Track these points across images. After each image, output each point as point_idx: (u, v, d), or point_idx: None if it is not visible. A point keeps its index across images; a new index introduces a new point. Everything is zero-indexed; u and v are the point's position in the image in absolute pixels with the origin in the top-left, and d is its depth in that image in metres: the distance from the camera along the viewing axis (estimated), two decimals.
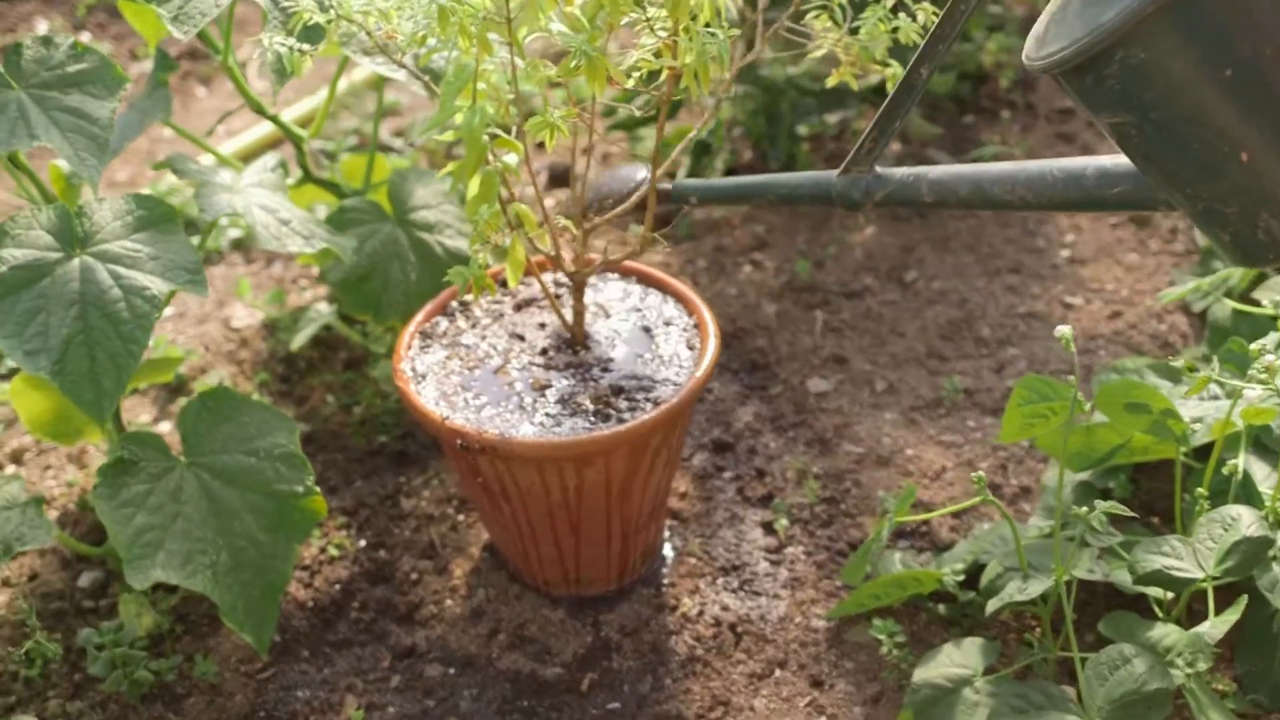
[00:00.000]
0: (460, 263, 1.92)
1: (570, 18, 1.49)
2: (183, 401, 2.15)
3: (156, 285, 1.59)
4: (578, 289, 1.71)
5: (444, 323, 1.79)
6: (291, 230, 1.75)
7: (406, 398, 1.67)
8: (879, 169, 1.56)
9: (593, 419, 1.62)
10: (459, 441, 1.61)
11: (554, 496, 1.66)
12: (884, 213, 2.42)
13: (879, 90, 2.50)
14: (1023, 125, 2.63)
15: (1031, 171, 1.42)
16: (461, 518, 1.92)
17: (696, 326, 1.76)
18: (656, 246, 1.76)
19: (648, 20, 1.49)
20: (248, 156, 2.76)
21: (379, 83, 2.08)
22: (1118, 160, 1.35)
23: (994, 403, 2.04)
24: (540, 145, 1.53)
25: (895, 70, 1.63)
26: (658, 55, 1.50)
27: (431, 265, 1.92)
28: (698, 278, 2.31)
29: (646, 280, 1.84)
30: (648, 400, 1.65)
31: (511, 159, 1.62)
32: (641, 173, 1.72)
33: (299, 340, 2.10)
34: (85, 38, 3.18)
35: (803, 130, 2.44)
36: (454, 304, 1.82)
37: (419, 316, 1.79)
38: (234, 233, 2.50)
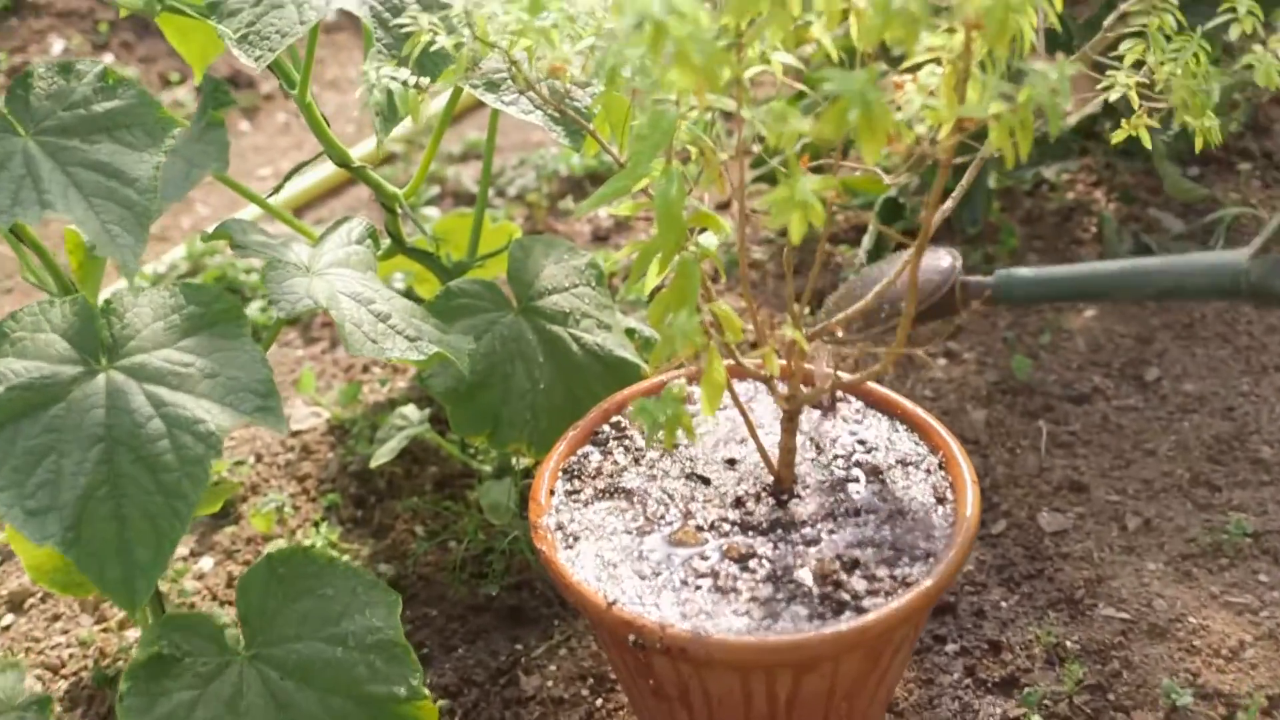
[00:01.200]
0: (606, 365, 1.49)
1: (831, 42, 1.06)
2: (229, 531, 1.71)
3: (215, 416, 1.17)
4: (790, 420, 1.27)
5: (595, 455, 1.35)
6: (392, 329, 1.32)
7: (556, 571, 1.24)
8: None
9: (820, 606, 1.19)
10: (632, 638, 1.17)
11: (756, 708, 1.22)
12: None
13: (1089, 134, 2.06)
14: (1264, 179, 2.19)
15: None
16: (600, 702, 1.48)
17: (944, 467, 1.31)
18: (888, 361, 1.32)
19: (935, 51, 1.06)
20: (296, 209, 2.34)
21: (494, 120, 1.65)
22: None
23: None
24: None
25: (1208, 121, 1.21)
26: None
27: (566, 369, 1.49)
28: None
29: (868, 399, 1.39)
30: (891, 578, 1.21)
31: (711, 241, 1.18)
32: (945, 260, 1.28)
33: (381, 456, 1.67)
34: (108, 59, 2.76)
35: (990, 183, 2.00)
36: (605, 427, 1.38)
37: (560, 447, 1.35)
38: None
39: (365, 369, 1.95)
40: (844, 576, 1.21)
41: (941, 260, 1.28)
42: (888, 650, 1.22)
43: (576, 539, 1.27)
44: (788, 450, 1.29)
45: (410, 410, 1.71)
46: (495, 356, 1.48)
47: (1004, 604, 1.58)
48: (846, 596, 1.20)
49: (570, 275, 1.56)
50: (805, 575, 1.22)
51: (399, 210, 1.56)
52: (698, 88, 1.04)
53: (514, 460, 1.66)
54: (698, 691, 1.21)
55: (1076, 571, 1.61)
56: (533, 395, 1.48)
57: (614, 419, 1.39)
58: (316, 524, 1.71)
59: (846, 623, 1.16)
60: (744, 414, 1.28)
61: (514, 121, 2.49)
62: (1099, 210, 2.06)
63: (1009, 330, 1.93)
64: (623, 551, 1.26)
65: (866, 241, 1.89)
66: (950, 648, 1.52)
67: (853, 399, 1.40)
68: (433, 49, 1.18)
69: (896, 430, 1.36)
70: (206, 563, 1.69)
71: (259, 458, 1.83)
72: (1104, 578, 1.59)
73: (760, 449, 1.30)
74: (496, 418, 1.47)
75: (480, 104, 2.52)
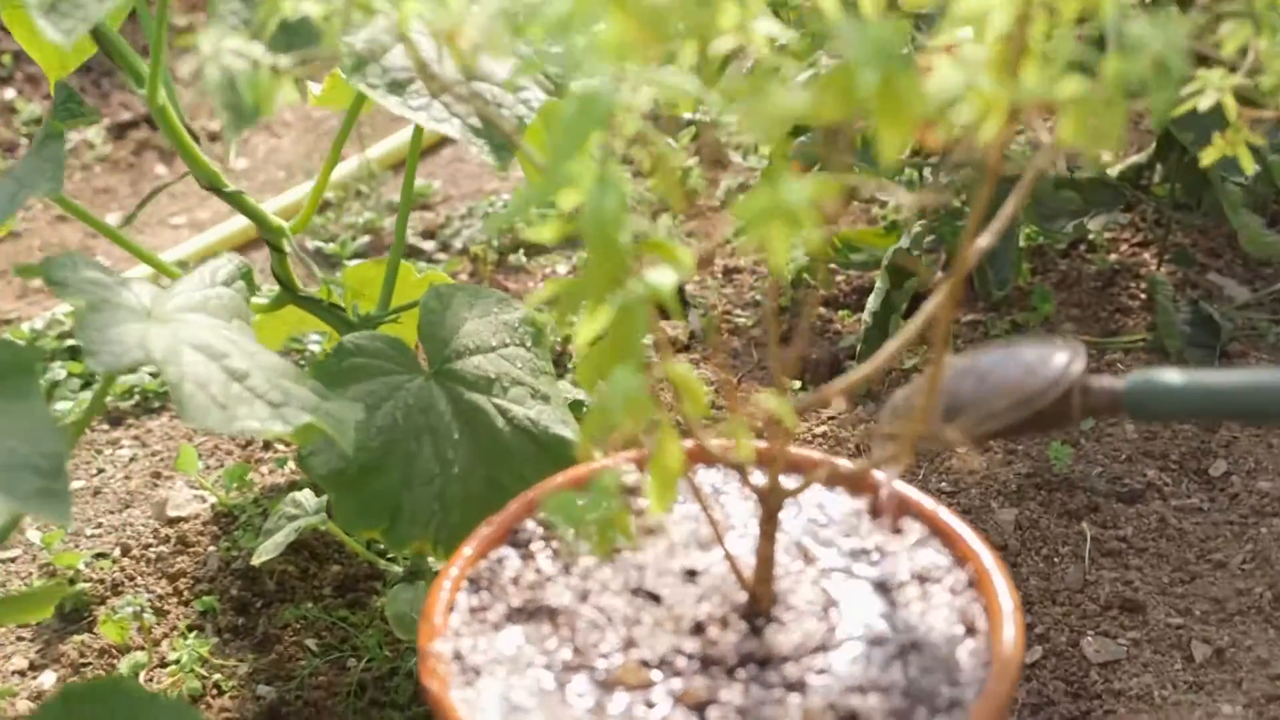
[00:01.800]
0: (540, 446, 1.19)
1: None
2: (78, 640, 1.40)
3: None
4: (768, 520, 0.96)
5: (513, 560, 1.05)
6: (250, 391, 1.02)
7: (442, 712, 0.92)
8: None
9: None
10: None
11: None
12: None
13: (1136, 183, 1.77)
14: None
15: None
16: None
17: (974, 585, 1.00)
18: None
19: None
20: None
21: (418, 137, 1.35)
22: None
23: None
24: None
25: None
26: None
27: (488, 449, 1.18)
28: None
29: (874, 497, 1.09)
30: None
31: (666, 279, 0.88)
32: (1060, 357, 0.97)
33: (266, 552, 1.36)
34: (9, 95, 2.48)
35: (1019, 240, 1.71)
36: (529, 524, 1.07)
37: (467, 550, 1.04)
38: None
39: (266, 445, 1.64)
40: None
41: (1054, 355, 0.96)
42: None
43: (478, 674, 0.96)
44: (765, 560, 0.97)
45: (305, 496, 1.39)
46: (396, 431, 1.17)
47: None
48: None
49: (499, 332, 1.25)
50: None
51: (287, 248, 1.26)
52: (643, 43, 0.75)
53: (430, 560, 1.35)
54: None
55: (1133, 715, 1.29)
56: (443, 481, 1.17)
57: (540, 517, 1.08)
58: (185, 633, 1.40)
59: None
60: (707, 510, 0.97)
61: (471, 167, 2.20)
62: (1148, 274, 1.76)
63: None
64: (539, 695, 0.94)
65: (872, 302, 1.59)
66: None
67: (847, 496, 1.09)
68: (294, 16, 0.89)
69: (910, 536, 1.05)
70: (48, 678, 1.38)
71: (125, 550, 1.51)
72: None
73: (729, 557, 0.98)
74: (395, 509, 1.16)
75: (437, 145, 2.23)
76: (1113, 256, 1.83)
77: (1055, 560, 1.45)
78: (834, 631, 0.97)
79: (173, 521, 1.54)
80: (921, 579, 1.01)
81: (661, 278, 0.86)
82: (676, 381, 0.87)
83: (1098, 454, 1.56)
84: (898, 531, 1.05)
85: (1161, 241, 1.81)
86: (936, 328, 0.89)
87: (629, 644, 0.97)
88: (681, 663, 0.95)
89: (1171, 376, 0.96)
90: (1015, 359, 0.98)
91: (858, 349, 1.62)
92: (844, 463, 1.08)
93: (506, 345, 1.25)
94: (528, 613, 1.00)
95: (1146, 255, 1.84)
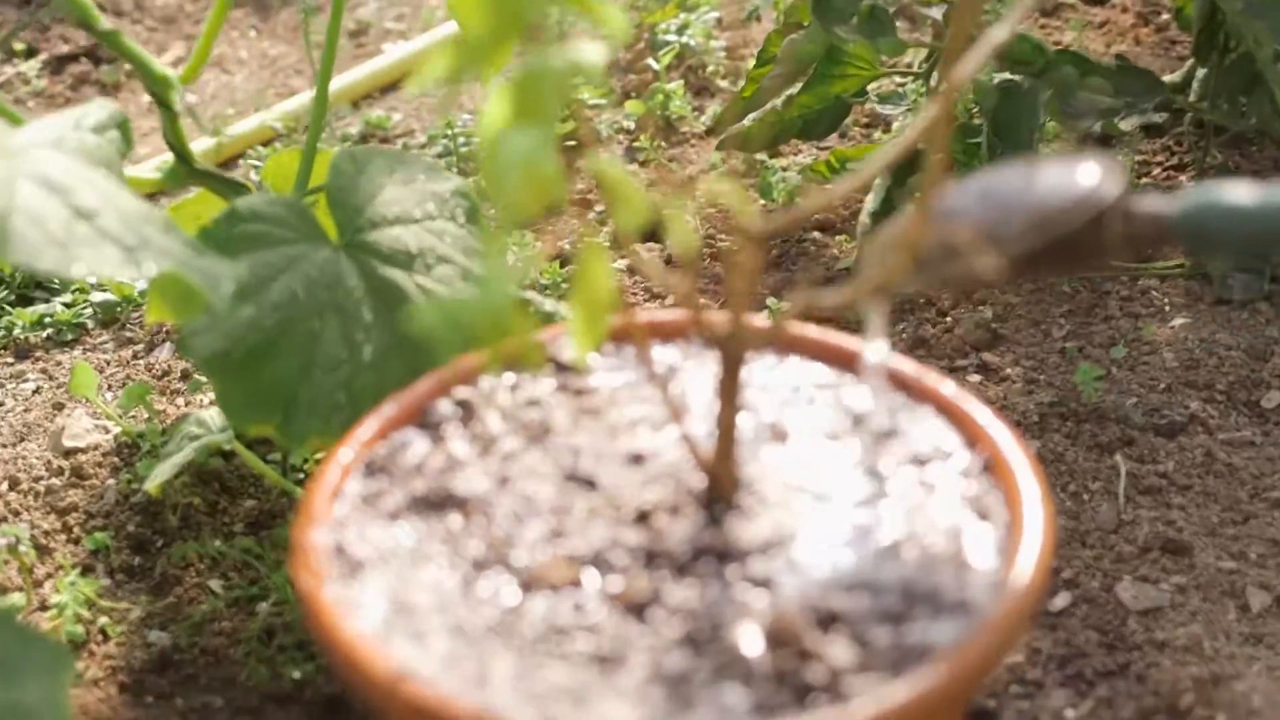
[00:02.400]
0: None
1: None
2: None
3: None
4: (729, 376, 0.77)
5: (420, 445, 0.86)
6: (96, 233, 0.83)
7: (317, 618, 0.74)
8: None
9: (771, 691, 0.68)
10: None
11: None
12: (1204, 284, 1.47)
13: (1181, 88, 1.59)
14: None
15: None
16: None
17: (989, 470, 0.81)
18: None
19: None
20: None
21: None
22: None
23: None
24: None
25: None
26: None
27: (408, 335, 0.99)
28: None
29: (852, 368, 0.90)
30: (895, 645, 0.71)
31: (595, 54, 0.70)
32: (1091, 174, 0.77)
33: (157, 477, 1.17)
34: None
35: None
36: (443, 405, 0.88)
37: (365, 429, 0.86)
38: (104, 293, 1.57)
39: (185, 375, 1.45)
40: (815, 640, 0.71)
41: (1084, 172, 0.77)
42: None
43: (362, 569, 0.77)
44: (726, 430, 0.79)
45: (212, 415, 1.21)
46: (294, 308, 0.99)
47: (1071, 714, 1.06)
48: (818, 675, 0.69)
49: (424, 203, 1.07)
50: (748, 637, 0.71)
51: (177, 105, 1.08)
52: None
53: None
54: None
55: (1180, 668, 1.09)
56: (351, 369, 0.98)
57: (460, 394, 0.89)
58: (72, 574, 1.21)
59: (818, 714, 0.66)
60: (654, 377, 0.78)
61: (435, 102, 2.02)
62: None
63: (1069, 340, 1.42)
64: (437, 594, 0.75)
65: (871, 202, 1.40)
66: None
67: (835, 369, 0.90)
68: None
69: (912, 413, 0.86)
70: None
71: (13, 483, 1.32)
72: (1222, 677, 1.08)
73: (683, 433, 0.79)
74: (290, 399, 0.98)
75: (400, 79, 2.06)
76: (1144, 180, 1.64)
77: (1084, 499, 1.26)
78: (812, 521, 0.78)
79: (69, 453, 1.35)
80: (922, 462, 0.82)
81: (589, 51, 0.67)
82: (606, 182, 0.69)
83: (1132, 383, 1.37)
84: (892, 410, 0.86)
85: (1200, 164, 1.62)
86: (932, 144, 0.70)
87: (555, 536, 0.78)
88: (620, 558, 0.77)
89: (1240, 194, 0.76)
90: (1036, 176, 0.79)
91: (854, 260, 1.43)
92: (824, 331, 0.90)
93: (434, 218, 1.06)
94: (432, 502, 0.81)
95: (1183, 178, 1.65)
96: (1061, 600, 1.17)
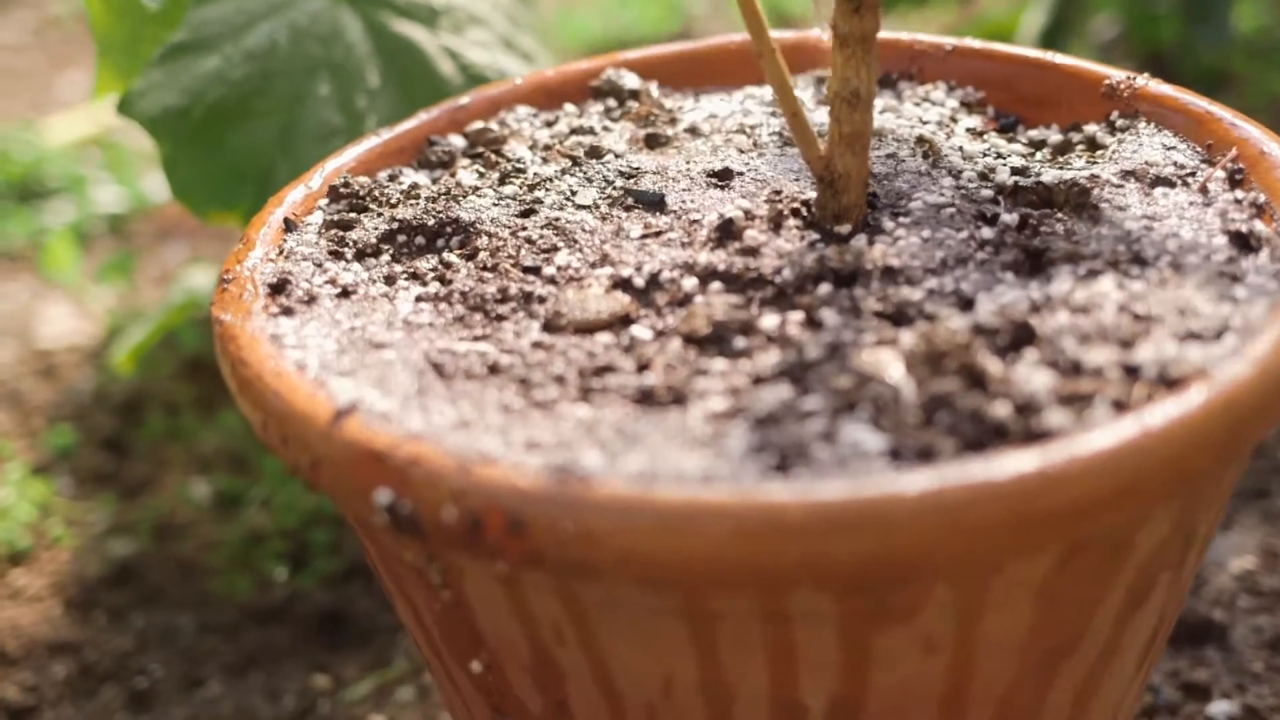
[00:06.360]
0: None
1: None
2: None
3: None
4: (861, 48, 0.54)
5: (414, 176, 0.63)
6: None
7: (232, 352, 0.51)
8: None
9: (918, 433, 0.44)
10: (384, 499, 0.44)
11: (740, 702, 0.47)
12: None
13: None
14: None
15: None
16: None
17: (1240, 184, 0.57)
18: None
19: None
20: None
21: None
22: None
23: None
24: None
25: None
26: None
27: (423, 100, 0.78)
28: None
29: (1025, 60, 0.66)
30: (1124, 368, 0.46)
31: None
32: None
33: (124, 348, 0.96)
34: None
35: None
36: (451, 139, 0.66)
37: (344, 155, 0.64)
38: (108, 198, 1.38)
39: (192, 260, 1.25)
40: (994, 359, 0.47)
41: None
42: (1129, 553, 0.47)
43: (313, 303, 0.55)
44: (860, 130, 0.55)
45: (195, 273, 1.00)
46: (275, 60, 0.78)
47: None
48: (1004, 409, 0.45)
49: None
50: (886, 366, 0.48)
51: None
52: None
53: None
54: (581, 667, 0.47)
55: None
56: (347, 141, 0.76)
57: (473, 127, 0.67)
58: (29, 476, 1.00)
59: (1017, 461, 0.42)
60: (755, 22, 0.55)
61: None
62: None
63: None
64: (417, 331, 0.53)
65: (1040, 17, 1.15)
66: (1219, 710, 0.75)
67: (993, 62, 0.66)
68: None
69: (1124, 123, 0.62)
70: None
71: None
72: None
73: (793, 113, 0.56)
74: (264, 175, 0.76)
75: None
76: None
77: None
78: (990, 245, 0.54)
79: (42, 350, 1.16)
80: (1136, 177, 0.58)
81: None
82: None
83: None
84: (1106, 121, 0.63)
85: None
86: None
87: (601, 262, 0.55)
88: (689, 283, 0.53)
89: None
90: None
91: None
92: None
93: None
94: (424, 228, 0.59)
95: None
96: None
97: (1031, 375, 0.46)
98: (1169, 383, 0.46)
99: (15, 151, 1.48)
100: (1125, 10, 1.26)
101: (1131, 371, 0.46)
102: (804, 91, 0.69)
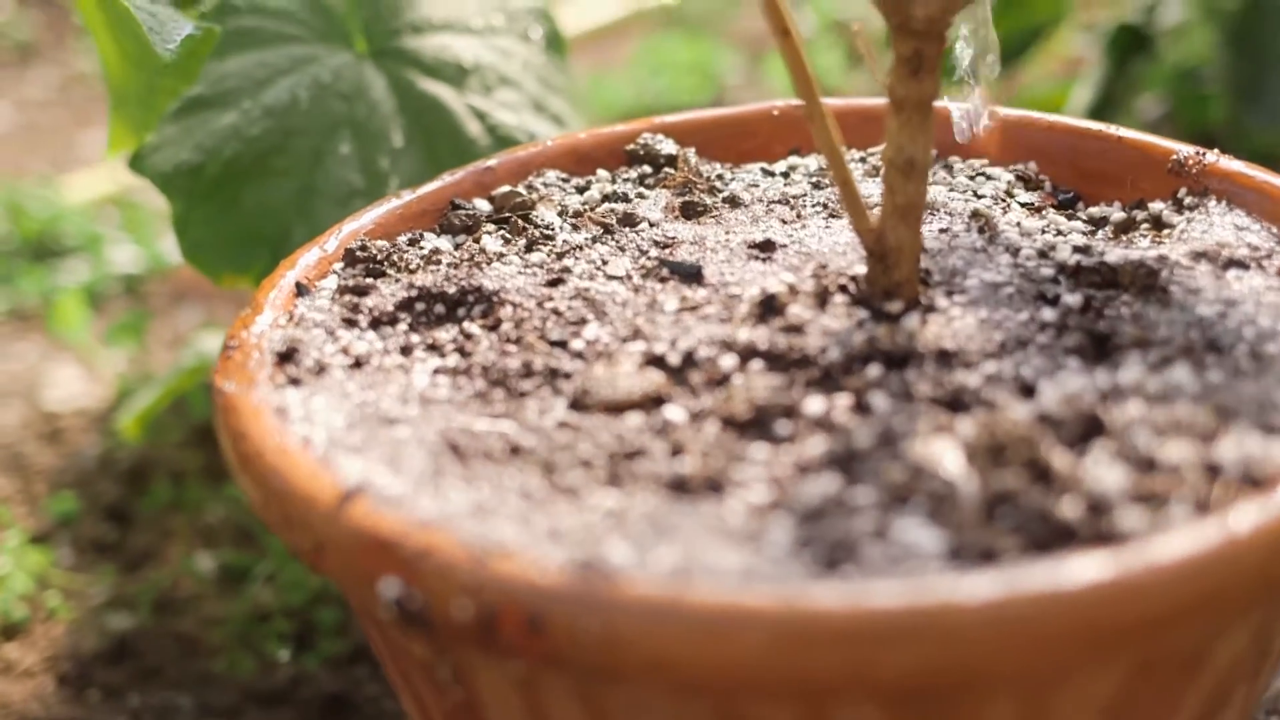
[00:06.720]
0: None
1: None
2: None
3: None
4: (918, 114, 0.51)
5: (436, 242, 0.60)
6: None
7: (233, 424, 0.48)
8: None
9: (979, 530, 0.40)
10: (393, 592, 0.40)
11: None
12: None
13: None
14: None
15: None
16: None
17: None
18: None
19: None
20: None
21: None
22: None
23: None
24: None
25: None
26: None
27: (449, 162, 0.75)
28: None
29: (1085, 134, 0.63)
30: (1205, 465, 0.42)
31: None
32: None
33: (131, 413, 0.93)
34: None
35: None
36: (476, 204, 0.63)
37: (364, 218, 0.60)
38: (124, 258, 1.36)
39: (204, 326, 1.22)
40: (1061, 452, 0.43)
41: None
42: (1204, 667, 0.43)
43: (321, 373, 0.51)
44: (911, 204, 0.51)
45: (204, 336, 0.97)
46: (295, 117, 0.75)
47: None
48: (1074, 507, 0.41)
49: (488, 12, 0.83)
50: (943, 457, 0.44)
51: None
52: None
53: None
54: None
55: None
56: (368, 203, 0.73)
57: (500, 191, 0.64)
58: (28, 544, 0.97)
59: (1090, 568, 0.38)
60: (809, 92, 0.51)
61: None
62: None
63: None
64: (432, 407, 0.49)
65: (1083, 93, 1.12)
66: None
67: (1051, 133, 0.63)
68: None
69: (1191, 202, 0.59)
70: None
71: None
72: None
73: (847, 194, 0.52)
74: (281, 238, 0.73)
75: None
76: None
77: None
78: (1052, 328, 0.51)
79: (50, 413, 1.13)
80: (1209, 259, 0.54)
81: None
82: None
83: None
84: (1173, 198, 0.59)
85: None
86: None
87: (632, 337, 0.52)
88: (728, 362, 0.50)
89: None
90: None
91: None
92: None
93: (498, 32, 0.82)
94: (444, 297, 0.55)
95: None
96: None
97: (1102, 471, 0.43)
98: (1253, 482, 0.42)
99: (33, 208, 1.46)
100: (1172, 89, 1.23)
101: (1212, 469, 0.43)
102: (850, 162, 0.66)
